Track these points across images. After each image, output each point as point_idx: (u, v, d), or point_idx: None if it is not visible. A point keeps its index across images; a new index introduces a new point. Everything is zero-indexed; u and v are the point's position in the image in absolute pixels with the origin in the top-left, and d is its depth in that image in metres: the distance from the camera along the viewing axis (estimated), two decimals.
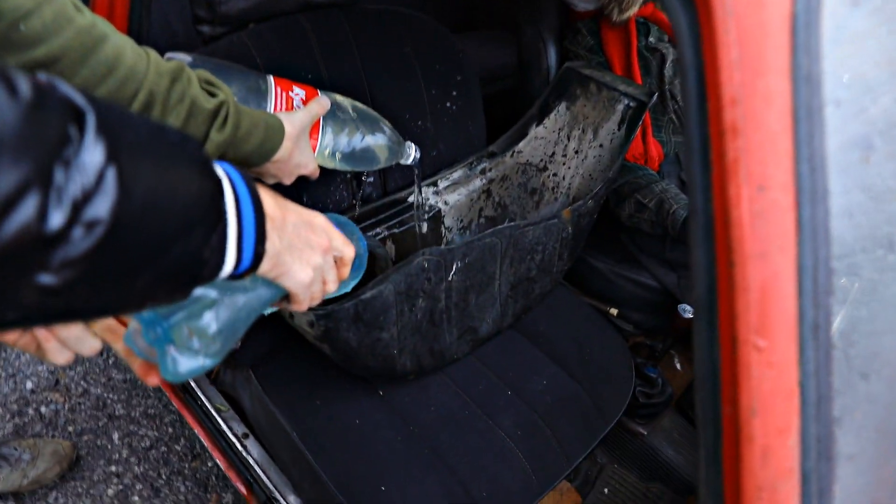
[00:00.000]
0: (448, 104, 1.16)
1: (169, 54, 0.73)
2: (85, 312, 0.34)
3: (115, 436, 1.44)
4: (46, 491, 1.34)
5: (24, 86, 0.29)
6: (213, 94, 0.65)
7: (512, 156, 1.31)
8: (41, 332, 0.45)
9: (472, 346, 1.18)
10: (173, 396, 1.19)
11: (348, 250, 0.55)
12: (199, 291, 0.47)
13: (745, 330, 0.49)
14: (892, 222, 0.49)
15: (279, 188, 0.91)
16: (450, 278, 1.01)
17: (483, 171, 1.27)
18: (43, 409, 1.48)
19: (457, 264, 1.00)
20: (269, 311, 0.55)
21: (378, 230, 1.12)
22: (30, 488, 1.31)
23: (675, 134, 1.43)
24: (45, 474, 1.32)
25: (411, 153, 0.95)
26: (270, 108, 0.75)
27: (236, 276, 0.43)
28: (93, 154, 0.30)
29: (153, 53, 0.63)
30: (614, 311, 1.46)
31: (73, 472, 1.38)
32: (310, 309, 0.78)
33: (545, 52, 1.43)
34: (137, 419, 1.48)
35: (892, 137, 0.49)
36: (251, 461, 1.05)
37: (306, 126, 0.75)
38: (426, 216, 1.19)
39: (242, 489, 1.08)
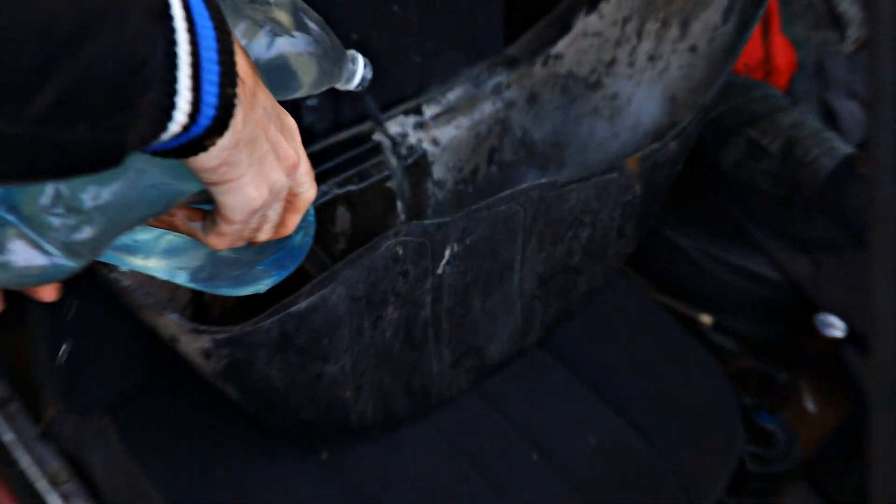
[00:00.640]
0: None
1: None
2: None
3: None
4: None
5: None
6: None
7: (545, 64, 1.29)
8: None
9: (476, 377, 1.18)
10: None
11: (311, 190, 0.60)
12: None
13: None
14: None
15: None
16: (439, 271, 1.00)
17: (497, 89, 1.26)
18: None
19: (451, 248, 0.99)
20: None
21: (323, 188, 1.11)
22: None
23: (820, 29, 1.42)
24: None
25: (357, 71, 0.88)
26: None
27: (180, 146, 0.48)
28: None
29: None
30: (708, 320, 1.46)
31: None
32: (203, 330, 0.80)
33: None
34: None
35: None
36: None
37: None
38: (404, 163, 1.16)
39: None
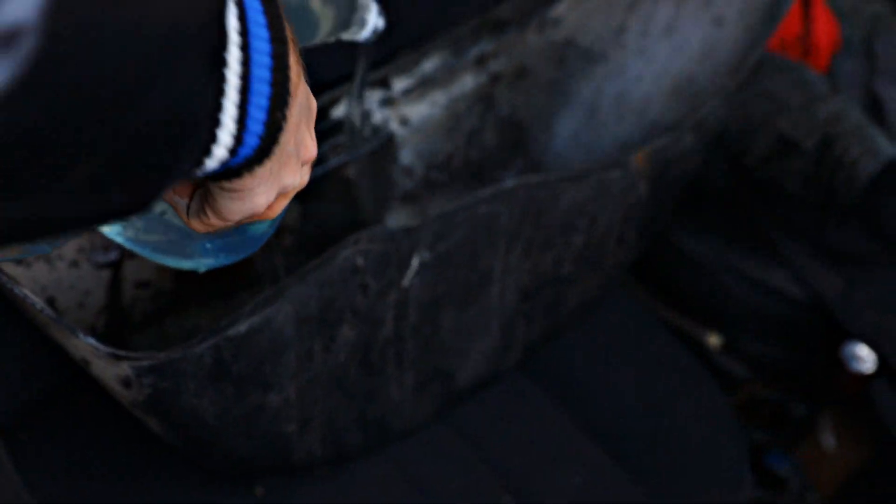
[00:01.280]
0: None
1: None
2: None
3: None
4: None
5: None
6: None
7: (540, 29, 1.30)
8: None
9: (443, 405, 1.19)
10: None
11: (307, 176, 0.61)
12: None
13: None
14: None
15: None
16: (406, 283, 1.02)
17: (481, 59, 1.27)
18: None
19: (421, 256, 1.01)
20: None
21: None
22: None
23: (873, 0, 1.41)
24: None
25: (369, 18, 0.93)
26: None
27: (207, 175, 0.50)
28: None
29: None
30: (716, 341, 1.48)
31: None
32: (122, 356, 0.81)
33: None
34: None
35: None
36: None
37: None
38: (366, 147, 1.16)
39: None
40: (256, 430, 0.97)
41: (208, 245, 0.68)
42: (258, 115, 0.48)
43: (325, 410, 1.02)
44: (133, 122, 0.40)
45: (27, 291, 0.81)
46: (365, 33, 0.93)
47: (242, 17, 0.47)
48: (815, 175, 1.33)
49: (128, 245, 0.67)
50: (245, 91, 0.47)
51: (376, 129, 1.18)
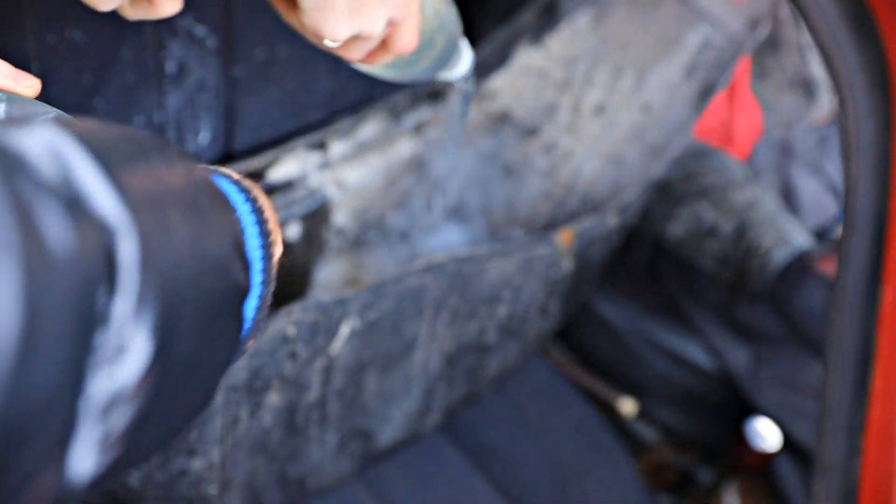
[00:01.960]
0: None
1: None
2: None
3: None
4: None
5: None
6: None
7: (476, 101, 1.33)
8: None
9: (362, 463, 1.22)
10: None
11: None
12: None
13: None
14: None
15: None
16: (334, 350, 1.04)
17: (419, 127, 1.29)
18: None
19: (350, 325, 1.03)
20: None
21: None
22: None
23: (791, 93, 1.46)
24: None
25: (466, 58, 0.98)
26: None
27: None
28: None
29: None
30: (630, 407, 1.50)
31: None
32: None
33: None
34: None
35: None
36: None
37: None
38: (300, 209, 1.18)
39: None
40: (177, 493, 0.96)
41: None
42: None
43: (247, 471, 1.03)
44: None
45: None
46: (459, 74, 0.97)
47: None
48: (730, 258, 1.36)
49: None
50: None
51: (311, 192, 1.20)
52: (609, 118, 1.31)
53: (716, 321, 1.47)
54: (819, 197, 1.46)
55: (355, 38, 0.77)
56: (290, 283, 1.21)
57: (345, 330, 1.02)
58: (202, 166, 0.57)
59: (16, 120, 0.54)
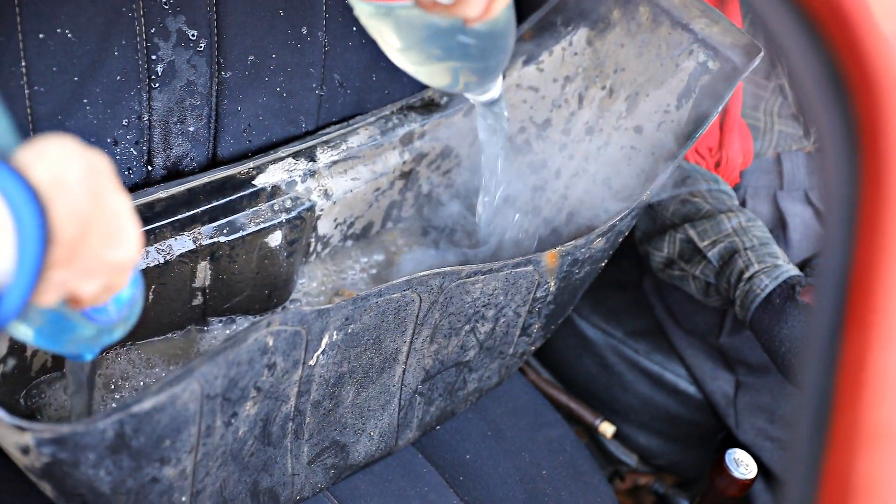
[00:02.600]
0: None
1: None
2: None
3: None
4: None
5: None
6: None
7: (467, 113, 1.32)
8: None
9: (335, 476, 1.21)
10: None
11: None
12: None
13: None
14: None
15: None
16: (312, 362, 1.03)
17: (408, 139, 1.28)
18: None
19: (330, 336, 1.02)
20: None
21: (182, 236, 1.11)
22: None
23: (784, 119, 1.45)
24: None
25: (497, 81, 1.07)
26: None
27: None
28: None
29: None
30: (608, 430, 1.49)
31: None
32: (26, 429, 0.81)
33: None
34: None
35: None
36: None
37: None
38: (285, 216, 1.17)
39: None
40: (147, 500, 0.95)
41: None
42: None
43: (218, 481, 1.02)
44: None
45: None
46: (489, 95, 1.07)
47: None
48: (715, 283, 1.36)
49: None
50: None
51: (297, 200, 1.19)
52: (600, 140, 1.31)
53: (698, 347, 1.48)
54: (809, 225, 1.46)
55: None
56: (274, 289, 1.20)
57: (325, 342, 1.02)
58: None
59: None
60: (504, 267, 1.12)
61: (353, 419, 1.15)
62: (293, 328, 0.96)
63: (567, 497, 1.30)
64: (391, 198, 1.30)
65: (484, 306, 1.15)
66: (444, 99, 1.31)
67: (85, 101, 1.02)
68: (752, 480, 1.30)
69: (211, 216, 1.13)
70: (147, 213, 1.09)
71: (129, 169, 1.10)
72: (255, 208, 1.16)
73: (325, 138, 1.22)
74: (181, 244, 1.11)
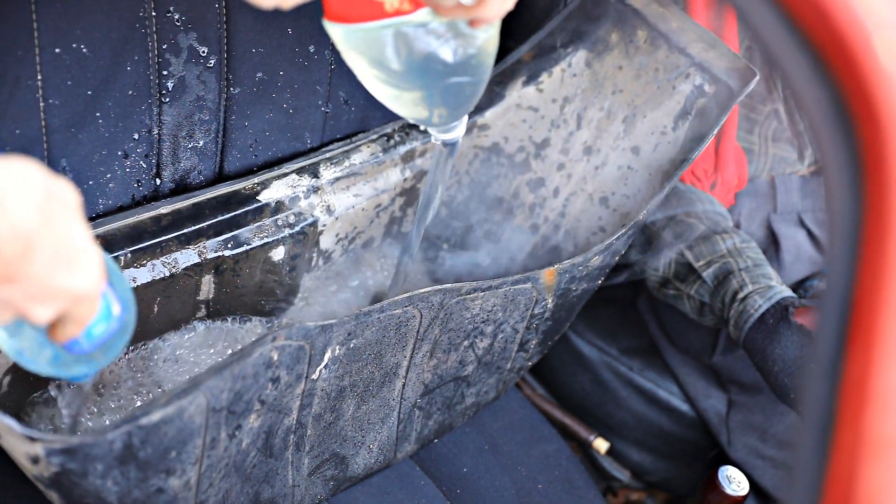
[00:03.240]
0: None
1: None
2: None
3: None
4: None
5: None
6: None
7: (468, 132, 1.33)
8: None
9: (334, 488, 1.21)
10: None
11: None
12: None
13: None
14: None
15: None
16: (315, 376, 1.04)
17: (409, 156, 1.29)
18: None
19: (333, 351, 1.03)
20: None
21: (188, 250, 1.12)
22: None
23: (778, 142, 1.47)
24: None
25: (462, 122, 1.06)
26: None
27: None
28: None
29: None
30: (602, 447, 1.50)
31: None
32: (37, 439, 0.81)
33: None
34: None
35: None
36: None
37: None
38: (288, 231, 1.18)
39: None
40: None
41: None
42: None
43: (220, 492, 1.02)
44: None
45: None
46: (452, 135, 1.06)
47: None
48: (709, 303, 1.37)
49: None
50: None
51: (300, 215, 1.20)
52: (598, 159, 1.32)
53: (691, 365, 1.49)
54: (802, 247, 1.48)
55: None
56: (276, 302, 1.21)
57: (327, 356, 1.02)
58: None
59: None
60: (503, 284, 1.13)
61: (353, 432, 1.16)
62: (297, 343, 0.97)
63: None
64: (392, 214, 1.31)
65: (483, 322, 1.16)
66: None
67: (98, 114, 1.03)
68: (744, 498, 1.31)
69: (216, 230, 1.14)
70: (153, 227, 1.09)
71: (138, 181, 1.11)
72: (259, 223, 1.17)
73: (328, 155, 1.23)
74: (186, 258, 1.12)
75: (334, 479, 1.19)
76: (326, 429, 1.12)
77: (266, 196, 1.17)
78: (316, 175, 1.21)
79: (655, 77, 1.28)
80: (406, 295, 1.05)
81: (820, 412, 0.65)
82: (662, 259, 1.42)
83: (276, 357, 0.95)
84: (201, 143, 1.14)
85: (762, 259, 1.36)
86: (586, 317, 1.52)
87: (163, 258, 1.10)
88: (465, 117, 1.05)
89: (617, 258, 1.25)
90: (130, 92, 1.03)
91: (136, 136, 1.07)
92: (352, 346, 1.05)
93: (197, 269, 1.13)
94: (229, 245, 1.15)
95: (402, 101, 1.01)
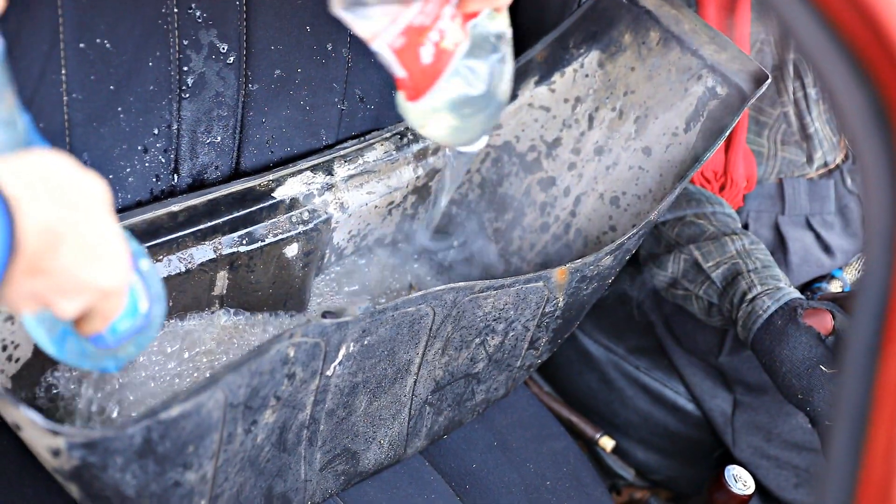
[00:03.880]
0: None
1: None
2: None
3: None
4: None
5: None
6: None
7: None
8: None
9: (345, 483, 1.21)
10: None
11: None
12: None
13: None
14: None
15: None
16: (329, 372, 1.04)
17: (422, 154, 1.29)
18: None
19: (347, 348, 1.03)
20: None
21: (203, 246, 1.12)
22: None
23: (787, 145, 1.47)
24: None
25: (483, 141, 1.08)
26: None
27: None
28: None
29: None
30: (608, 445, 1.50)
31: None
32: (59, 432, 0.82)
33: None
34: None
35: None
36: None
37: None
38: (302, 228, 1.18)
39: None
40: (169, 503, 0.96)
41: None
42: None
43: (235, 485, 1.02)
44: None
45: None
46: (476, 146, 1.07)
47: None
48: (718, 304, 1.37)
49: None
50: None
51: (314, 212, 1.21)
52: (609, 159, 1.32)
53: (697, 366, 1.49)
54: (809, 249, 1.48)
55: None
56: (289, 297, 1.22)
57: (342, 353, 1.03)
58: None
59: None
60: (516, 282, 1.13)
61: (364, 427, 1.16)
62: (313, 340, 0.97)
63: None
64: (403, 211, 1.32)
65: (495, 320, 1.16)
66: None
67: (119, 109, 1.03)
68: (750, 497, 1.31)
69: (231, 227, 1.14)
70: (170, 223, 1.10)
71: (156, 176, 1.11)
72: (273, 220, 1.17)
73: (342, 153, 1.23)
74: (202, 253, 1.12)
75: (345, 473, 1.19)
76: (339, 424, 1.12)
77: (281, 193, 1.17)
78: (330, 172, 1.22)
79: (668, 78, 1.29)
80: (420, 293, 1.05)
81: (853, 414, 0.65)
82: (671, 260, 1.42)
83: (292, 353, 0.95)
84: (219, 138, 1.14)
85: (771, 261, 1.36)
86: (594, 316, 1.52)
87: (179, 253, 1.10)
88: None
89: (627, 258, 1.25)
90: (151, 87, 1.04)
91: (155, 131, 1.08)
92: (366, 343, 1.05)
93: (212, 265, 1.13)
94: (244, 241, 1.15)
95: (465, 129, 1.04)
